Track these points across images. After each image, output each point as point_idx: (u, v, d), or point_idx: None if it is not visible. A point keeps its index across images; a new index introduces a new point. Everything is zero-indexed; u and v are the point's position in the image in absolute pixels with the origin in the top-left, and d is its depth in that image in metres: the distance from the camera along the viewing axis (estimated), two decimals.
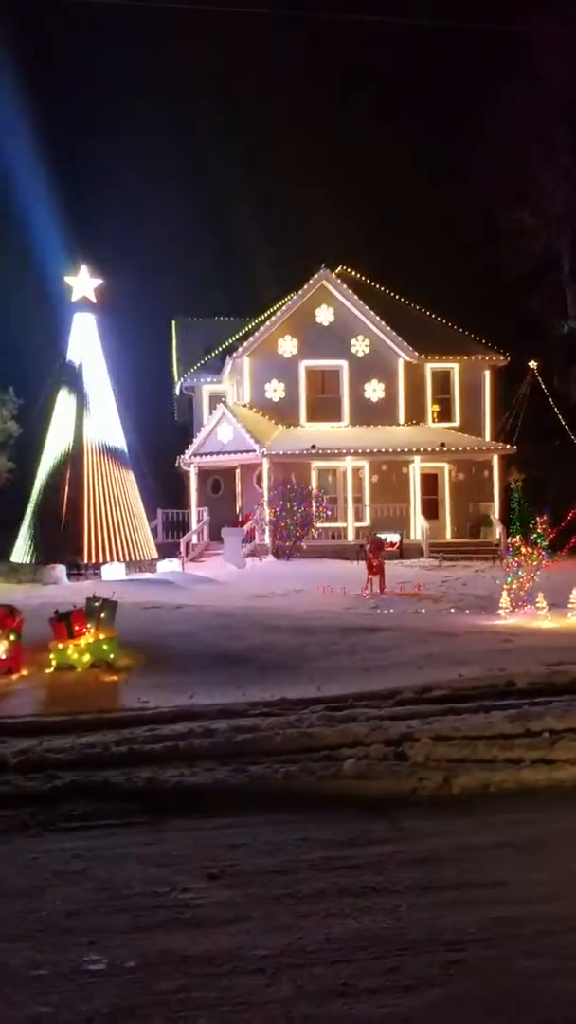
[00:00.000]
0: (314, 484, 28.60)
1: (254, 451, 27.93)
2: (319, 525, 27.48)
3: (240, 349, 30.09)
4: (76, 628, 10.63)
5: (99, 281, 25.36)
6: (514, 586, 15.74)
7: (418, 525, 28.33)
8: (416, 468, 29.07)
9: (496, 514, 29.13)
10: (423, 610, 16.32)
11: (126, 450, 25.38)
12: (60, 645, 10.52)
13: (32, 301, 33.84)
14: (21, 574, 22.79)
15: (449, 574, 23.33)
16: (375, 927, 4.21)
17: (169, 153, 51.04)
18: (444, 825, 5.67)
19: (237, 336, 31.99)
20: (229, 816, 5.82)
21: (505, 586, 15.93)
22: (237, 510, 30.31)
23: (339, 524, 28.53)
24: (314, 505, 27.31)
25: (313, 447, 28.15)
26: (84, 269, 25.21)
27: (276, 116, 49.66)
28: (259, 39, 53.79)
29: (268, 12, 38.62)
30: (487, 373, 31.18)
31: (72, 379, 24.89)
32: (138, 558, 23.99)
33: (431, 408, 30.90)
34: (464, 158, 36.79)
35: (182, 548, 27.96)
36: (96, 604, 11.09)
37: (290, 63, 48.45)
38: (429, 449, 28.81)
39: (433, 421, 30.71)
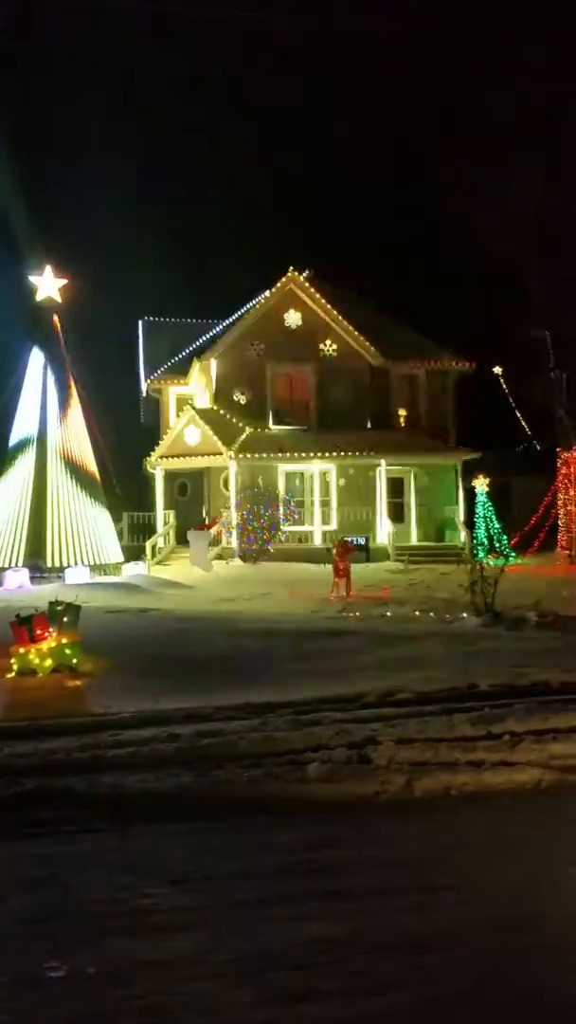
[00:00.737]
0: (281, 487, 28.63)
1: (221, 454, 27.88)
2: (286, 528, 27.51)
3: (207, 351, 30.03)
4: (38, 632, 10.53)
5: (63, 281, 25.19)
6: (477, 589, 15.87)
7: (384, 528, 28.49)
8: (382, 472, 29.23)
9: (460, 518, 29.41)
10: (389, 613, 16.41)
11: (91, 451, 25.19)
12: (22, 650, 10.41)
13: None
14: None
15: (415, 577, 23.48)
16: (337, 931, 4.22)
17: (137, 153, 50.86)
18: (407, 828, 5.71)
19: (205, 338, 31.93)
20: (193, 821, 5.80)
21: (468, 589, 16.06)
22: (204, 513, 30.23)
23: (306, 527, 28.59)
24: (281, 508, 27.34)
25: (280, 450, 28.18)
26: (48, 269, 25.03)
27: (246, 118, 49.72)
28: (220, 36, 53.79)
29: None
30: (453, 379, 31.46)
31: (36, 379, 24.66)
32: (102, 561, 23.81)
33: (398, 412, 31.09)
34: (434, 161, 37.14)
35: (148, 551, 27.83)
36: (59, 608, 10.99)
37: (254, 61, 48.53)
38: (395, 453, 28.98)
39: (400, 425, 30.90)
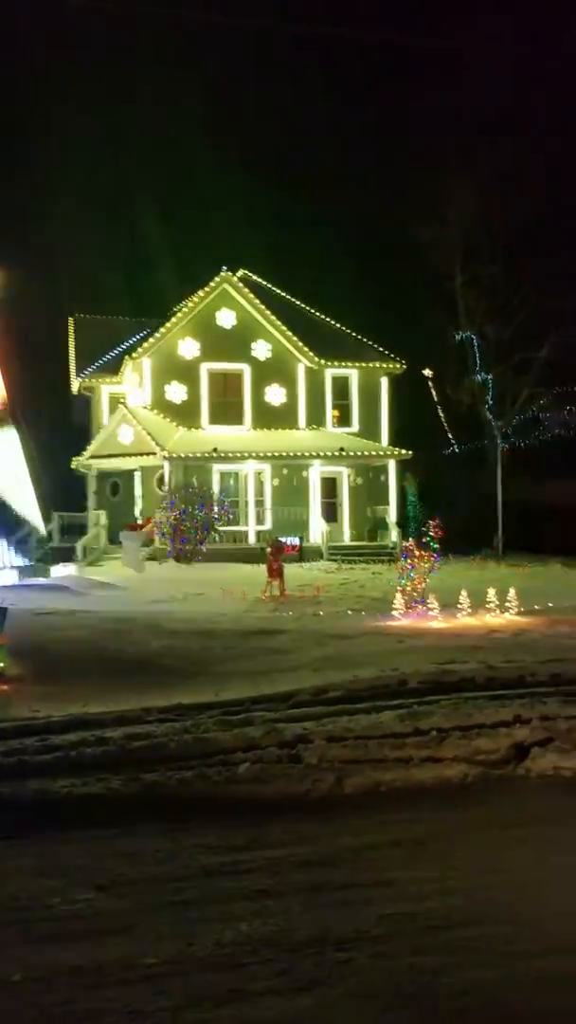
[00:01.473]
0: (216, 487, 28.54)
1: (155, 453, 27.65)
2: (221, 528, 27.43)
3: (140, 349, 29.75)
4: None
5: None
6: (408, 588, 16.13)
7: (318, 528, 28.65)
8: (316, 472, 29.40)
9: (393, 517, 29.78)
10: (322, 612, 16.54)
11: (18, 446, 24.59)
12: None
13: None
14: None
15: (348, 576, 23.69)
16: (265, 930, 4.24)
17: (72, 148, 49.98)
18: (336, 826, 5.76)
19: (138, 336, 31.61)
20: (122, 825, 5.75)
21: (399, 588, 16.31)
22: (137, 513, 29.93)
23: (240, 527, 28.56)
24: (215, 508, 27.25)
25: (215, 450, 28.09)
26: None
27: (184, 118, 49.39)
28: (162, 39, 53.38)
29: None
30: (384, 380, 31.83)
31: None
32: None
33: (331, 413, 31.32)
34: (368, 166, 37.53)
35: (79, 552, 27.40)
36: None
37: (193, 64, 48.29)
38: (328, 453, 29.18)
39: (332, 426, 31.12)
